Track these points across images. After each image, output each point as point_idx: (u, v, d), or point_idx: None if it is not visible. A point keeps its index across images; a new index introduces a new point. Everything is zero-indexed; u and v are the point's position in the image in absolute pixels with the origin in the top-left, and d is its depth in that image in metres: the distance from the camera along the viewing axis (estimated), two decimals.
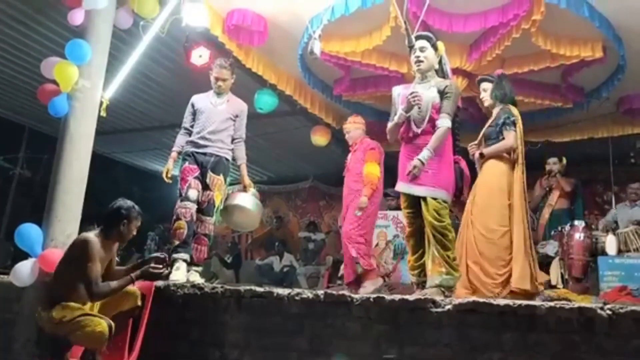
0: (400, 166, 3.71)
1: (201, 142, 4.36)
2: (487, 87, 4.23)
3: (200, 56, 5.22)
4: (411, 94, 3.60)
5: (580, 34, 4.84)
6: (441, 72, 3.77)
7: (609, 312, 2.55)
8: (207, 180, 4.32)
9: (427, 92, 3.63)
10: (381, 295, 3.12)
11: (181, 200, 4.23)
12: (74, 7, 3.92)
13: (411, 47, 3.76)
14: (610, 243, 5.17)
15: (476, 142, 4.20)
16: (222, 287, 3.51)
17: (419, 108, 3.60)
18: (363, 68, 5.62)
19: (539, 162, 6.26)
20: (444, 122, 3.54)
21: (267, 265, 8.59)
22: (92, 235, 3.18)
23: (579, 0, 4.41)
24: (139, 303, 3.30)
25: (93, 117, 4.03)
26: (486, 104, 4.26)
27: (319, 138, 7.48)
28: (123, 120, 7.95)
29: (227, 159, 4.46)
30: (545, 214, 6.07)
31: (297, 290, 3.35)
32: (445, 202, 3.56)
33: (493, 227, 3.89)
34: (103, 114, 4.17)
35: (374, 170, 4.90)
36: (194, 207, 4.23)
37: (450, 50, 5.03)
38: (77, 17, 3.92)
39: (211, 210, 4.33)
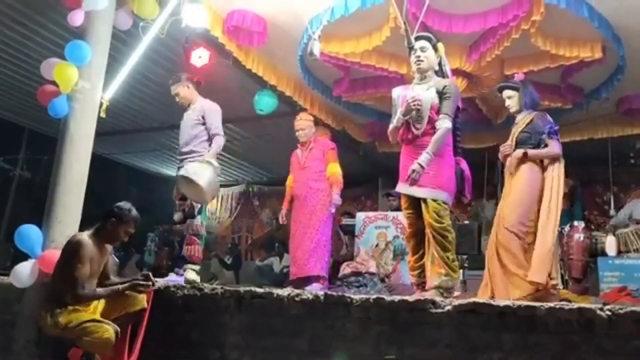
0: (401, 167, 3.72)
1: (180, 157, 4.70)
2: (511, 94, 4.08)
3: (200, 57, 5.22)
4: (412, 98, 3.60)
5: (580, 34, 4.85)
6: (441, 73, 3.78)
7: (608, 312, 2.55)
8: None
9: (426, 92, 3.64)
10: (381, 296, 3.13)
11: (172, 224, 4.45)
12: (73, 8, 3.91)
13: (411, 47, 3.77)
14: (610, 244, 5.18)
15: (509, 143, 4.05)
16: (222, 288, 3.51)
17: (418, 111, 3.60)
18: (363, 69, 5.62)
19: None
20: (444, 123, 3.55)
21: (267, 266, 8.59)
22: (85, 236, 3.19)
23: (579, 1, 4.42)
24: (145, 305, 3.30)
25: (93, 118, 4.03)
26: (513, 110, 4.11)
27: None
28: (123, 121, 7.95)
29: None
30: None
31: (296, 291, 3.35)
32: (445, 203, 3.56)
33: (520, 223, 3.75)
34: (103, 115, 4.17)
35: (338, 170, 5.17)
36: (179, 227, 4.58)
37: (450, 51, 5.03)
38: (76, 18, 3.92)
39: (193, 213, 4.50)
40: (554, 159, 3.84)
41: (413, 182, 3.51)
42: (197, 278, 4.31)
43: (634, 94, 6.06)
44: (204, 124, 4.58)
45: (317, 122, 7.19)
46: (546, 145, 3.92)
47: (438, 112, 3.59)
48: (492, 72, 5.40)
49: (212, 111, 4.63)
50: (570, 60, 5.09)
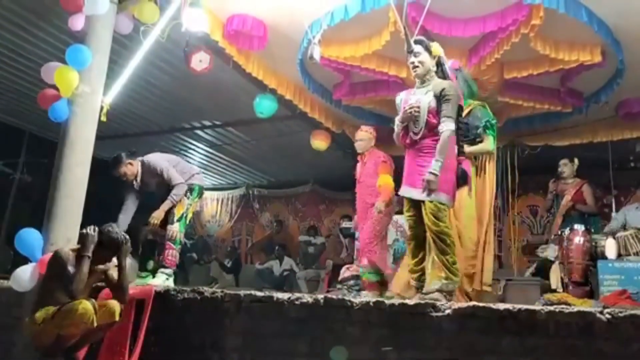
0: (404, 171, 3.74)
1: None
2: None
3: (200, 61, 5.23)
4: (409, 105, 3.63)
5: (579, 38, 4.85)
6: (441, 73, 3.76)
7: (608, 316, 2.56)
8: None
9: (424, 97, 3.65)
10: (381, 299, 3.13)
11: None
12: (74, 13, 3.92)
13: (410, 52, 3.78)
14: (609, 247, 5.17)
15: None
16: (222, 291, 3.51)
17: (416, 116, 3.62)
18: (363, 73, 5.62)
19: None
20: (446, 126, 3.53)
21: (267, 269, 8.59)
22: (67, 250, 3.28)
23: (578, 5, 4.43)
24: (117, 318, 3.21)
25: (93, 122, 4.04)
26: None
27: (319, 142, 7.49)
28: (123, 125, 7.96)
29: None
30: (558, 218, 6.01)
31: (297, 294, 3.35)
32: (443, 204, 3.55)
33: (464, 221, 3.96)
34: (103, 118, 4.19)
35: (388, 181, 5.09)
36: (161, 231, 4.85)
37: (450, 55, 5.02)
38: (77, 23, 3.93)
39: (171, 220, 4.75)
40: (488, 155, 3.90)
41: (430, 192, 3.48)
42: (165, 283, 4.48)
43: (634, 98, 6.06)
44: (162, 178, 4.80)
45: (317, 125, 7.24)
46: (481, 141, 3.95)
47: (436, 115, 3.58)
48: (492, 76, 5.40)
49: (160, 166, 4.83)
50: (569, 64, 5.09)
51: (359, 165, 5.44)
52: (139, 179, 4.87)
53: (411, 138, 3.66)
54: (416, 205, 3.64)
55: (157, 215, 4.71)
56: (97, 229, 3.29)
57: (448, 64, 3.83)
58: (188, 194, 4.86)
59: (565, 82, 5.72)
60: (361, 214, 5.26)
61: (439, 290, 3.44)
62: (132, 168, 4.85)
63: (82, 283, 3.14)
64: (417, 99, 3.68)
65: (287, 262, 8.64)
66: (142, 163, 4.89)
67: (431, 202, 3.51)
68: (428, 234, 3.58)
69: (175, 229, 4.73)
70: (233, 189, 11.76)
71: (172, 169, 4.84)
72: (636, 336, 2.50)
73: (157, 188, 4.89)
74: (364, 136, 5.38)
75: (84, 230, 3.31)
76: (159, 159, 4.92)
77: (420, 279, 3.70)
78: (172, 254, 4.69)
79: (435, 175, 3.46)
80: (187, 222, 4.90)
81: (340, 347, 2.99)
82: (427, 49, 3.73)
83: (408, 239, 3.85)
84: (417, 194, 3.59)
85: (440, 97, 3.59)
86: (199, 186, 4.99)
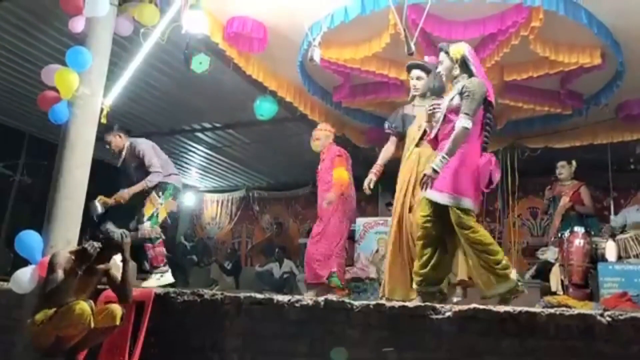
0: None
1: None
2: (421, 75, 4.18)
3: (200, 63, 5.23)
4: (430, 105, 3.63)
5: (579, 40, 4.86)
6: (468, 70, 3.60)
7: (608, 318, 2.55)
8: None
9: (446, 97, 3.63)
10: (381, 302, 3.12)
11: None
12: (74, 15, 3.92)
13: (411, 54, 3.78)
14: (610, 249, 5.17)
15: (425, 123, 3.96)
16: (221, 294, 3.51)
17: (436, 115, 3.60)
18: (363, 75, 5.63)
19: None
20: (461, 122, 3.34)
21: (267, 272, 8.59)
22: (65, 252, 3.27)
23: (577, 7, 4.43)
24: (117, 322, 3.18)
25: (93, 124, 4.04)
26: (417, 92, 4.19)
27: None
28: (123, 126, 7.95)
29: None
30: (556, 220, 6.02)
31: (297, 296, 3.35)
32: (463, 209, 3.37)
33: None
34: (103, 120, 4.19)
35: (342, 174, 5.07)
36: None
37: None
38: (77, 25, 3.93)
39: (140, 219, 4.74)
40: None
41: (424, 186, 3.36)
42: (162, 280, 4.57)
43: (634, 100, 6.07)
44: (142, 160, 4.82)
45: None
46: None
47: (455, 112, 3.46)
48: (492, 78, 5.37)
49: (143, 149, 4.86)
50: (569, 66, 5.10)
51: (320, 164, 5.42)
52: (123, 155, 4.91)
53: (431, 137, 3.64)
54: (433, 205, 3.49)
55: (123, 195, 4.66)
56: (94, 243, 3.24)
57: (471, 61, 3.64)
58: (160, 192, 4.82)
59: (565, 84, 5.72)
60: (320, 210, 5.20)
61: (500, 295, 3.32)
62: (119, 141, 4.90)
63: (58, 286, 3.12)
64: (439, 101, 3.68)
65: (287, 264, 8.64)
66: (130, 143, 4.93)
67: (453, 208, 3.37)
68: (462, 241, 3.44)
69: (147, 228, 4.71)
70: (233, 191, 11.76)
71: (154, 157, 4.84)
72: (636, 339, 2.50)
73: (135, 172, 4.88)
74: (321, 135, 5.40)
75: (84, 246, 3.26)
76: (145, 143, 4.94)
77: (421, 285, 3.55)
78: (155, 252, 4.72)
79: (435, 170, 3.29)
80: (159, 221, 4.84)
81: (340, 348, 2.98)
82: (447, 53, 3.63)
83: (417, 239, 3.67)
84: (433, 194, 3.46)
85: (461, 94, 3.45)
86: (173, 186, 4.93)
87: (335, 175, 5.09)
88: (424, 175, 3.35)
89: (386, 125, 4.33)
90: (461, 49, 3.61)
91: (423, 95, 4.08)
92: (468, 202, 3.38)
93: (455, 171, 3.39)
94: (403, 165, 4.04)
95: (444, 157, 3.31)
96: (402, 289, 4.00)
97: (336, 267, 4.98)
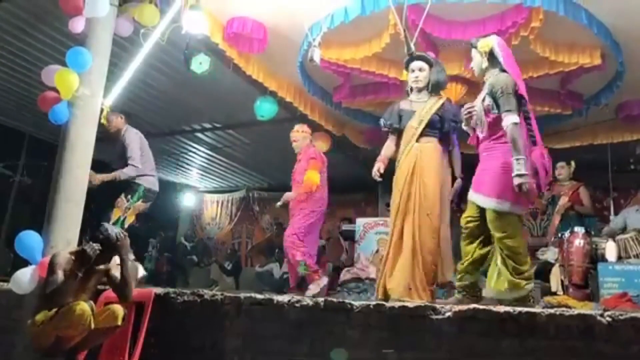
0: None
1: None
2: (424, 67, 4.03)
3: (200, 63, 5.24)
4: (464, 108, 3.63)
5: (579, 41, 4.87)
6: (497, 63, 3.58)
7: (608, 318, 2.55)
8: None
9: (478, 98, 3.64)
10: (381, 302, 3.12)
11: None
12: (74, 15, 3.92)
13: (410, 54, 3.77)
14: (610, 249, 5.16)
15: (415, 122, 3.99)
16: (221, 294, 3.51)
17: (472, 117, 3.59)
18: (362, 75, 5.64)
19: None
20: (508, 120, 3.34)
21: (267, 272, 8.58)
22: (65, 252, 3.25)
23: (577, 8, 4.44)
24: (119, 322, 3.17)
25: (93, 124, 4.04)
26: (419, 85, 4.03)
27: (320, 144, 7.47)
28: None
29: (127, 181, 4.80)
30: (555, 219, 6.01)
31: (297, 297, 3.35)
32: (499, 212, 3.38)
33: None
34: (103, 121, 4.19)
35: (313, 177, 5.14)
36: None
37: (449, 58, 5.07)
38: (78, 25, 3.93)
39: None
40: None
41: (522, 194, 3.30)
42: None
43: (634, 100, 6.07)
44: (126, 149, 4.83)
45: (318, 128, 7.24)
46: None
47: (489, 113, 3.48)
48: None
49: (128, 138, 4.89)
50: (569, 67, 5.10)
51: (296, 164, 5.46)
52: (118, 136, 4.91)
53: (477, 138, 3.64)
54: (477, 207, 3.54)
55: (92, 176, 4.35)
56: (94, 245, 3.22)
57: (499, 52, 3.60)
58: (129, 195, 4.74)
59: (565, 85, 5.73)
60: (293, 210, 5.27)
61: (507, 301, 3.33)
62: (118, 122, 4.91)
63: (58, 287, 3.11)
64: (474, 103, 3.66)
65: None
66: (126, 129, 4.94)
67: (489, 210, 3.41)
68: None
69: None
70: (233, 191, 11.76)
71: (138, 150, 4.81)
72: (636, 339, 2.50)
73: (116, 159, 4.89)
74: (298, 136, 5.44)
75: (83, 248, 3.25)
76: (135, 134, 4.93)
77: (462, 279, 3.61)
78: None
79: (521, 175, 3.24)
80: (125, 226, 4.70)
81: (340, 349, 2.98)
82: (475, 47, 3.64)
83: (462, 239, 3.71)
84: (475, 197, 3.52)
85: (492, 94, 3.45)
86: (143, 187, 4.81)
87: (306, 177, 5.15)
88: (519, 186, 3.28)
89: (381, 122, 4.22)
90: (489, 41, 3.60)
91: (420, 90, 3.98)
92: (507, 205, 3.37)
93: (495, 173, 3.42)
94: (402, 161, 3.95)
95: (519, 159, 3.27)
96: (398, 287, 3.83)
97: (300, 256, 5.02)
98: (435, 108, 3.94)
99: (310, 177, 5.13)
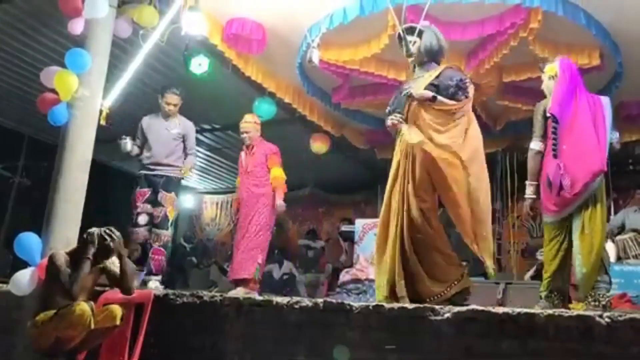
0: None
1: (152, 166, 4.79)
2: (413, 39, 3.70)
3: (199, 64, 5.24)
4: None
5: (578, 41, 4.87)
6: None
7: (608, 319, 2.55)
8: (159, 198, 4.70)
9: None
10: (381, 303, 3.12)
11: (132, 226, 4.61)
12: (74, 17, 3.93)
13: (409, 55, 3.75)
14: (609, 250, 5.17)
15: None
16: (221, 295, 3.51)
17: None
18: (361, 76, 5.64)
19: None
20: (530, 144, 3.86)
21: (267, 273, 8.54)
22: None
23: (576, 8, 4.44)
24: (117, 322, 3.18)
25: (92, 125, 4.04)
26: (417, 60, 3.72)
27: (319, 145, 7.49)
28: (122, 128, 7.95)
29: (176, 178, 4.86)
30: None
31: (296, 298, 3.35)
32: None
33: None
34: (102, 122, 4.19)
35: (280, 174, 5.16)
36: (144, 230, 4.64)
37: (449, 58, 5.05)
38: (77, 26, 3.94)
39: (165, 224, 4.70)
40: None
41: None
42: (160, 287, 4.48)
43: (633, 100, 6.08)
44: (184, 141, 4.93)
45: (317, 129, 7.25)
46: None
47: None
48: (491, 79, 5.41)
49: (193, 131, 5.05)
50: None
51: (244, 155, 5.36)
52: (171, 116, 4.92)
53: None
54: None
55: (191, 164, 4.93)
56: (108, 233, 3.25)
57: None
58: (178, 191, 4.89)
59: None
60: (248, 204, 5.13)
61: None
62: (178, 102, 4.91)
63: (82, 283, 3.12)
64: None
65: (287, 265, 8.61)
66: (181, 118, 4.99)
67: None
68: None
69: (169, 235, 4.77)
70: (232, 192, 11.74)
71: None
72: (636, 340, 2.49)
73: (172, 140, 4.87)
74: (250, 127, 5.33)
75: (86, 234, 3.28)
76: (193, 127, 5.09)
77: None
78: (160, 259, 4.72)
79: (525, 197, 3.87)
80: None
81: (342, 348, 2.97)
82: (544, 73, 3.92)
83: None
84: None
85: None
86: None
87: (274, 174, 5.13)
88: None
89: (387, 110, 3.77)
90: (554, 66, 3.78)
91: (421, 64, 3.66)
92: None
93: None
94: (399, 142, 3.59)
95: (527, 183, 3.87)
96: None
97: (261, 259, 5.06)
98: (431, 78, 3.55)
99: (279, 174, 5.16)
